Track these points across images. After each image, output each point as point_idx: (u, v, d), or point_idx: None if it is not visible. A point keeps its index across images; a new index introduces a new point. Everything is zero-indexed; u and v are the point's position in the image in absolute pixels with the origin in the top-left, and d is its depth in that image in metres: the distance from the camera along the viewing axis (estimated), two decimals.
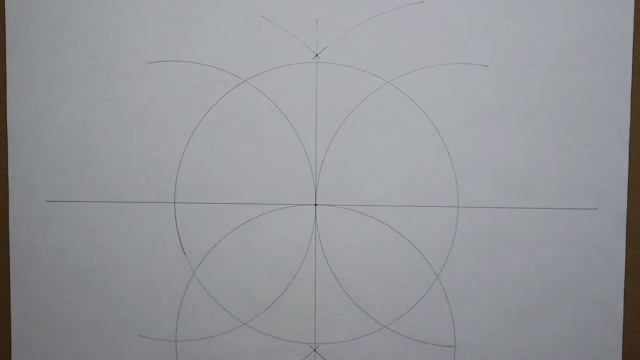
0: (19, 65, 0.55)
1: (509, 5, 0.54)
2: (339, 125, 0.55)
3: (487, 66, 0.54)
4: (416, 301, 0.56)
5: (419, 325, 0.56)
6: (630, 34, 0.54)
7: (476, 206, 0.55)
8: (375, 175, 0.55)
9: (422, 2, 0.54)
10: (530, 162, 0.55)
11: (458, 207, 0.55)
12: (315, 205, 0.55)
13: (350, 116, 0.55)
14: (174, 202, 0.55)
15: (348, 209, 0.56)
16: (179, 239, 0.56)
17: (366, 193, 0.55)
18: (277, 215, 0.56)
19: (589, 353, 0.55)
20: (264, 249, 0.56)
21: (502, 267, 0.55)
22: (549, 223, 0.55)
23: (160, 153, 0.55)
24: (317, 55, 0.54)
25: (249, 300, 0.56)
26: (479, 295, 0.56)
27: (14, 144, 0.55)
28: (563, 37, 0.54)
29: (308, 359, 0.56)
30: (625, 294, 0.55)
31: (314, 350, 0.56)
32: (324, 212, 0.56)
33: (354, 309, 0.56)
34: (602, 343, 0.55)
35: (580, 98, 0.54)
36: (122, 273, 0.56)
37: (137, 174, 0.55)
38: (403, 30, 0.54)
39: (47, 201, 0.56)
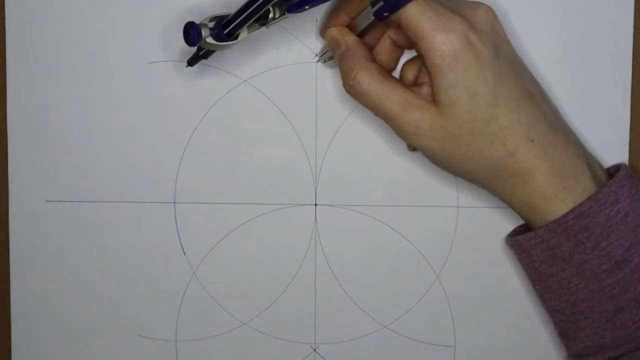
0: (19, 65, 0.55)
1: (509, 5, 0.53)
2: (339, 125, 0.55)
3: None
4: (416, 301, 0.56)
5: (419, 325, 0.56)
6: (630, 34, 0.54)
7: (476, 206, 0.55)
8: (375, 175, 0.55)
9: None
10: None
11: (458, 207, 0.55)
12: (315, 205, 0.55)
13: (350, 116, 0.55)
14: (174, 202, 0.55)
15: (348, 209, 0.56)
16: (179, 239, 0.56)
17: (366, 193, 0.55)
18: (277, 215, 0.56)
19: None
20: (264, 249, 0.56)
21: (502, 267, 0.55)
22: None
23: (160, 153, 0.55)
24: (316, 55, 0.54)
25: (249, 300, 0.56)
26: (479, 295, 0.56)
27: (14, 144, 0.55)
28: (563, 37, 0.54)
29: (308, 359, 0.56)
30: None
31: (314, 350, 0.56)
32: (324, 212, 0.56)
33: (354, 309, 0.56)
34: None
35: (580, 98, 0.54)
36: (122, 273, 0.56)
37: (137, 174, 0.55)
38: None
39: (47, 201, 0.56)
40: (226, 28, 0.49)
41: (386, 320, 0.56)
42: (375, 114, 0.49)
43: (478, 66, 0.46)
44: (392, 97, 0.48)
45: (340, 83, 0.54)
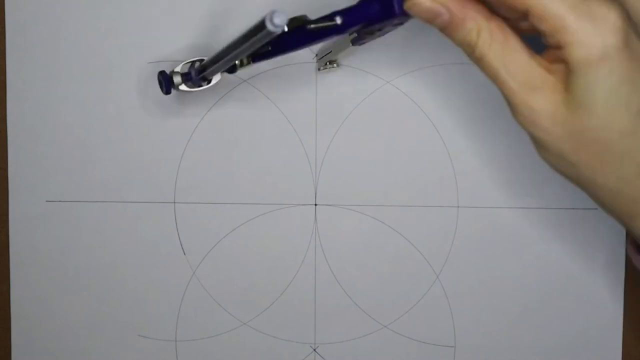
0: (19, 65, 0.55)
1: None
2: (339, 125, 0.55)
3: None
4: (416, 301, 0.56)
5: (419, 325, 0.56)
6: None
7: (476, 206, 0.55)
8: (375, 175, 0.55)
9: None
10: (531, 162, 0.55)
11: (458, 207, 0.55)
12: (315, 205, 0.55)
13: (350, 116, 0.55)
14: (174, 202, 0.55)
15: (348, 209, 0.56)
16: (179, 239, 0.56)
17: (366, 193, 0.55)
18: (277, 215, 0.56)
19: (589, 353, 0.55)
20: (264, 249, 0.56)
21: (502, 267, 0.55)
22: (549, 223, 0.55)
23: (160, 153, 0.55)
24: (316, 55, 0.54)
25: (249, 300, 0.56)
26: (479, 295, 0.56)
27: (14, 144, 0.55)
28: None
29: (308, 359, 0.56)
30: (625, 294, 0.55)
31: (314, 350, 0.56)
32: (324, 212, 0.56)
33: (354, 309, 0.56)
34: (602, 343, 0.55)
35: None
36: (122, 273, 0.56)
37: (137, 174, 0.55)
38: (403, 30, 0.54)
39: (47, 201, 0.56)
40: (201, 73, 0.50)
41: (386, 320, 0.56)
42: (495, 85, 0.41)
43: (630, 68, 0.37)
44: (512, 67, 0.39)
45: (340, 82, 0.54)
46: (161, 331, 0.57)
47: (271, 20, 0.37)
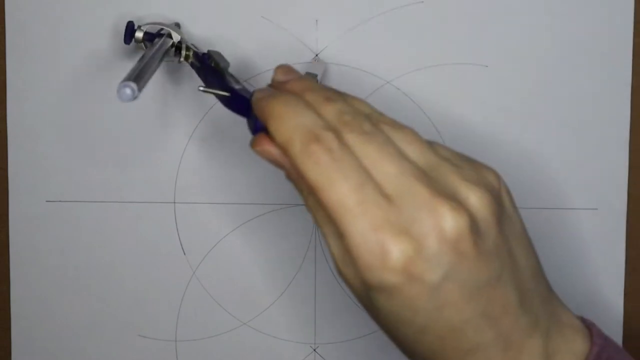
0: (19, 65, 0.55)
1: (509, 5, 0.54)
2: None
3: (486, 66, 0.54)
4: None
5: None
6: (630, 34, 0.54)
7: None
8: None
9: (422, 2, 0.54)
10: (530, 162, 0.55)
11: None
12: None
13: None
14: (174, 202, 0.55)
15: None
16: (179, 239, 0.56)
17: None
18: (277, 215, 0.56)
19: None
20: (264, 249, 0.56)
21: None
22: (548, 223, 0.55)
23: (160, 153, 0.55)
24: (317, 55, 0.54)
25: (249, 300, 0.56)
26: None
27: (14, 144, 0.55)
28: (563, 37, 0.54)
29: (308, 359, 0.56)
30: (625, 294, 0.55)
31: (314, 350, 0.56)
32: None
33: (354, 309, 0.56)
34: None
35: (580, 98, 0.54)
36: (122, 273, 0.56)
37: (137, 174, 0.55)
38: (403, 30, 0.54)
39: (47, 201, 0.56)
40: (151, 40, 0.52)
41: None
42: None
43: (412, 297, 0.36)
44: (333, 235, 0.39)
45: (340, 82, 0.54)
46: (161, 331, 0.57)
47: (121, 89, 0.40)
